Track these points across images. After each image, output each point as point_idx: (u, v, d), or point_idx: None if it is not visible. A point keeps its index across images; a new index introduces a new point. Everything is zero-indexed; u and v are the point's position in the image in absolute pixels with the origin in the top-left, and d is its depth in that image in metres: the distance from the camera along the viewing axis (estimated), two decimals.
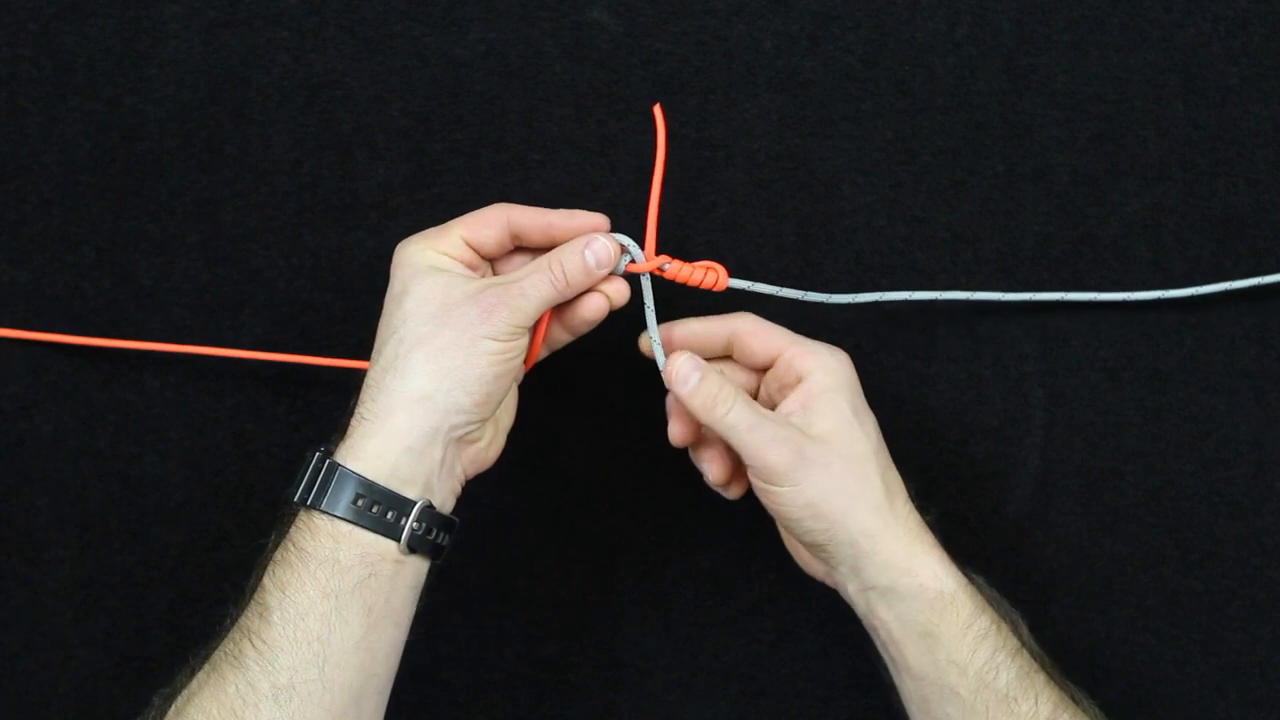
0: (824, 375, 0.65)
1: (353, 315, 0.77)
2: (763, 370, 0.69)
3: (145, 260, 0.78)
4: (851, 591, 0.66)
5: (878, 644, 0.66)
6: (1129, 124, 0.77)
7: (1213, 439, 0.77)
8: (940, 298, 0.73)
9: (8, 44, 0.78)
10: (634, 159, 0.77)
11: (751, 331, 0.68)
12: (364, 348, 0.76)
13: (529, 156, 0.77)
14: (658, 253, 0.68)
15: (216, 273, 0.78)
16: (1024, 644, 0.65)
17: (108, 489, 0.78)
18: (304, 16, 0.77)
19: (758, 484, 0.65)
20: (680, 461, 0.78)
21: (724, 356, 0.70)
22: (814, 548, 0.65)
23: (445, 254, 0.64)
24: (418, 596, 0.64)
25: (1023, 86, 0.77)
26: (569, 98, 0.77)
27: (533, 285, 0.63)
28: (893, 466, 0.66)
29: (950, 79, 0.77)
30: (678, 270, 0.67)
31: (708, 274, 0.68)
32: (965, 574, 0.65)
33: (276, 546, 0.62)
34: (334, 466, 0.61)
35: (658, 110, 0.68)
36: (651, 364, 0.69)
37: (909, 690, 0.65)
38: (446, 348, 0.61)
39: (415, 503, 0.62)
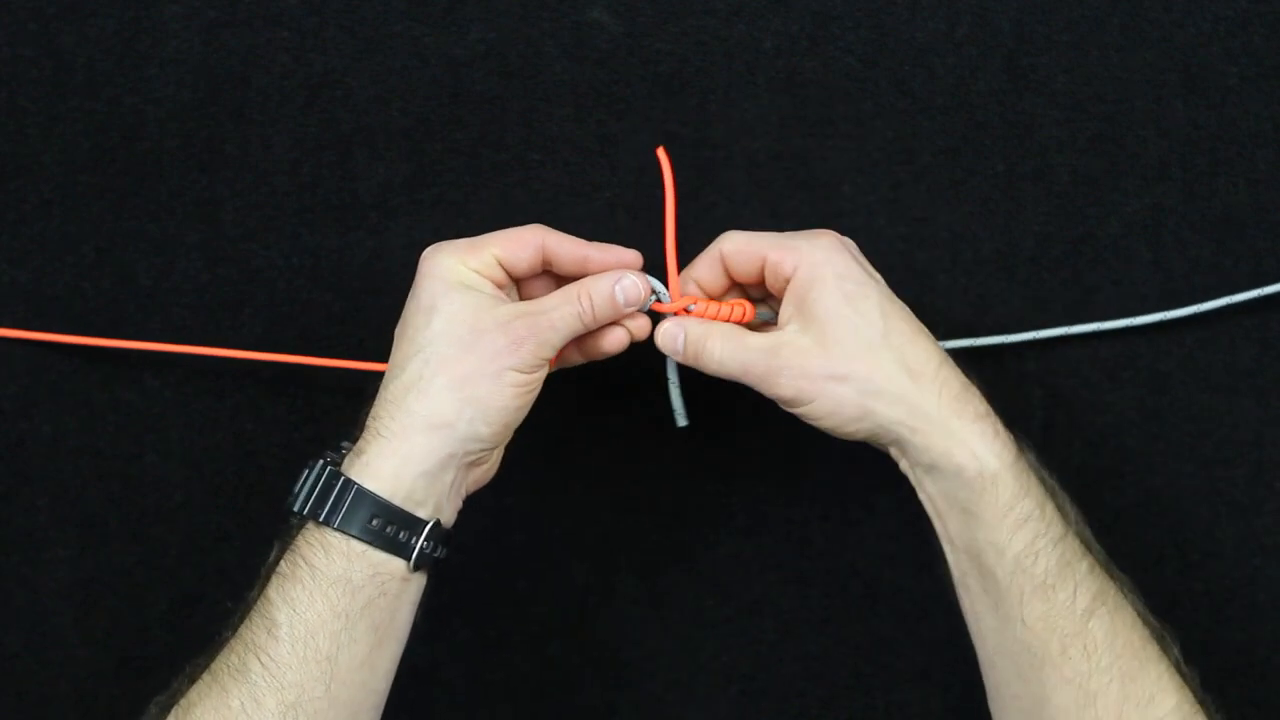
0: (805, 271, 0.63)
1: (353, 315, 0.77)
2: (763, 284, 0.67)
3: (145, 260, 0.78)
4: (903, 467, 0.64)
5: (928, 513, 0.65)
6: (1129, 124, 0.77)
7: (1213, 439, 0.77)
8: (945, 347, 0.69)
9: (8, 44, 0.78)
10: (634, 159, 0.77)
11: (733, 251, 0.66)
12: (364, 348, 0.76)
13: (529, 156, 0.77)
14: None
15: (216, 273, 0.78)
16: (1070, 530, 0.63)
17: (108, 489, 0.78)
18: (304, 16, 0.77)
19: (783, 406, 0.64)
20: (680, 462, 0.78)
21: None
22: (861, 441, 0.64)
23: (477, 271, 0.63)
24: (415, 611, 0.64)
25: (1023, 86, 0.77)
26: (569, 98, 0.77)
27: (561, 318, 0.63)
28: (913, 338, 0.63)
29: (950, 79, 0.77)
30: (704, 309, 0.67)
31: (734, 310, 0.67)
32: (1018, 448, 0.63)
33: (280, 558, 0.62)
34: (350, 484, 0.61)
35: (662, 154, 0.67)
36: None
37: (952, 561, 0.64)
38: (472, 375, 0.61)
39: (427, 523, 0.62)
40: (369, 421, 0.63)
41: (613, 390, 0.77)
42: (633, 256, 0.66)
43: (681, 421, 0.69)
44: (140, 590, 0.78)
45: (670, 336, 0.66)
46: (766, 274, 0.65)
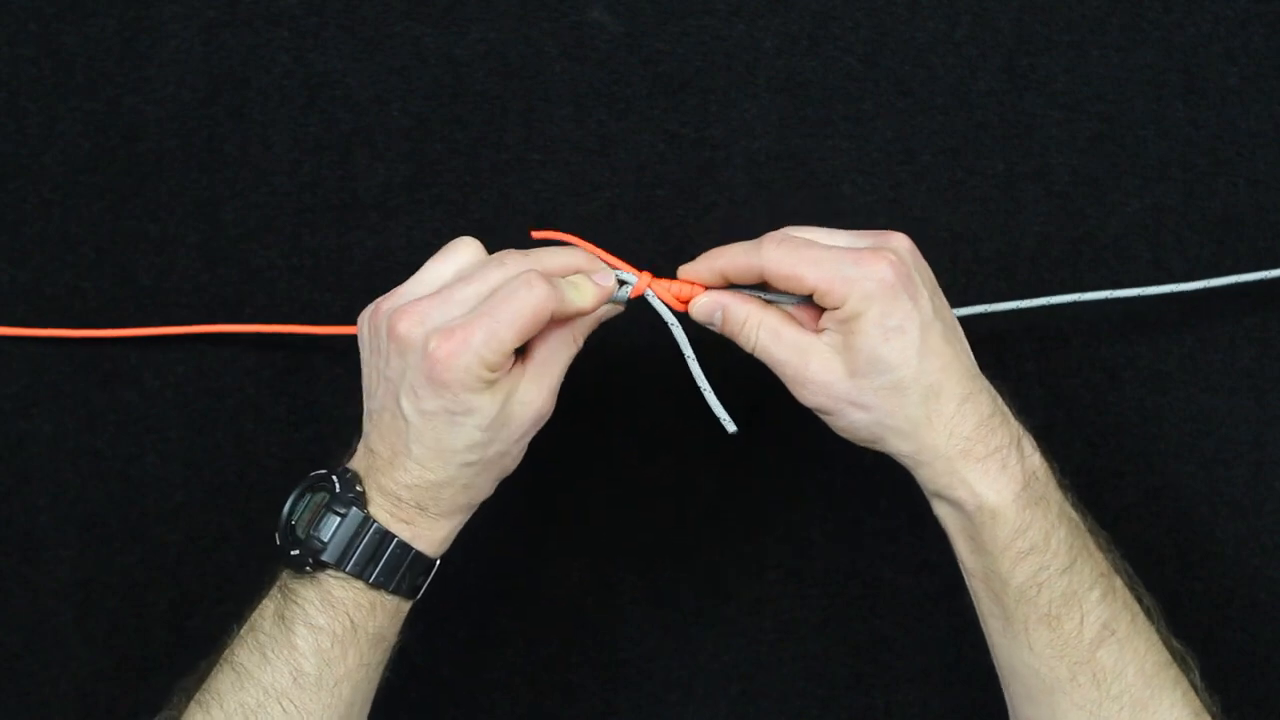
0: (851, 306, 0.63)
1: (353, 315, 0.77)
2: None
3: (145, 260, 0.78)
4: (917, 481, 0.65)
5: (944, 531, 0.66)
6: (1129, 124, 0.77)
7: (1213, 439, 0.77)
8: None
9: (8, 44, 0.78)
10: (634, 159, 0.77)
11: (776, 276, 0.65)
12: None
13: (529, 156, 0.77)
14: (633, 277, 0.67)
15: (216, 273, 0.78)
16: (1078, 560, 0.62)
17: (108, 489, 0.78)
18: (304, 16, 0.77)
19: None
20: (680, 462, 0.78)
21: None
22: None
23: (496, 370, 0.62)
24: None
25: (1023, 86, 0.77)
26: (569, 98, 0.77)
27: (561, 365, 0.65)
28: (942, 379, 0.63)
29: (950, 79, 0.77)
30: (664, 288, 0.66)
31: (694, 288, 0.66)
32: (1027, 476, 0.62)
33: (292, 594, 0.62)
34: (421, 559, 0.63)
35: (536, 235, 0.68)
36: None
37: (966, 580, 0.65)
38: (508, 463, 0.65)
39: (436, 563, 0.65)
40: (412, 485, 0.62)
41: (613, 391, 0.77)
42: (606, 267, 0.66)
43: (731, 428, 0.67)
44: (140, 590, 0.78)
45: (706, 310, 0.66)
46: (815, 298, 0.64)
